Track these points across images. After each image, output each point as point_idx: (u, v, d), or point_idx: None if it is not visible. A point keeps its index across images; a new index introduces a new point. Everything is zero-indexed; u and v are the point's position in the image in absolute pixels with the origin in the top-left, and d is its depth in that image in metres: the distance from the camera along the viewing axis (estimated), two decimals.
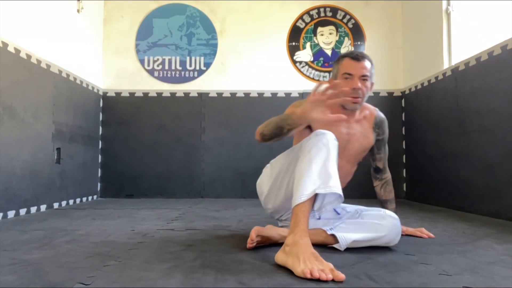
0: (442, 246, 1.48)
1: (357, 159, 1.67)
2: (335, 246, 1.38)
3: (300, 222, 1.19)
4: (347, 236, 1.38)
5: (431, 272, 1.11)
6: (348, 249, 1.40)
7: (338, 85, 1.30)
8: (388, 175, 1.79)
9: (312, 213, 1.28)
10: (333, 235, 1.38)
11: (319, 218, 1.58)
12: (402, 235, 1.57)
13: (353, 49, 3.75)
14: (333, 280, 1.00)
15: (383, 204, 1.76)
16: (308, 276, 1.02)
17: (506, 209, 2.19)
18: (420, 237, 1.67)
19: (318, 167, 1.24)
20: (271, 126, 1.38)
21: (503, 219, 2.18)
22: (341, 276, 1.01)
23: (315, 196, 1.24)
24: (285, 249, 1.16)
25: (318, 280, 1.01)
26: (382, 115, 1.68)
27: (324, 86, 1.26)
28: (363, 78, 1.49)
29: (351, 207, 1.63)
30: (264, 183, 1.62)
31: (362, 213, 1.53)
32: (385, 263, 1.21)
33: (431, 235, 1.67)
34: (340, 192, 1.24)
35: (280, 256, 1.17)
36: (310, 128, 1.51)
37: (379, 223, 1.41)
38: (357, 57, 1.50)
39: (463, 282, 1.02)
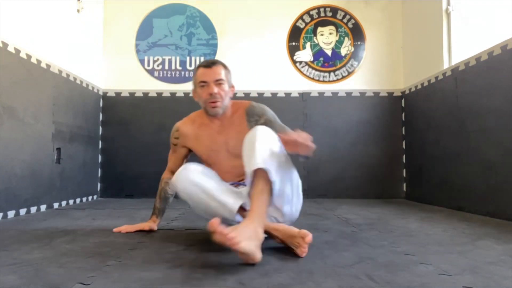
0: (442, 246, 1.48)
1: None
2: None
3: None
4: (268, 163, 1.27)
5: (431, 272, 1.11)
6: (348, 249, 1.40)
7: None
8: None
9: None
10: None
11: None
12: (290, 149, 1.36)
13: (353, 49, 3.75)
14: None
15: None
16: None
17: (506, 209, 2.19)
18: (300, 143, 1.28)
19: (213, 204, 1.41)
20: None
21: (503, 219, 2.18)
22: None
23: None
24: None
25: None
26: (253, 103, 1.65)
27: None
28: (218, 82, 1.56)
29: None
30: None
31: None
32: (385, 263, 1.21)
33: (311, 145, 1.29)
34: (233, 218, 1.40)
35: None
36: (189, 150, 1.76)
37: (251, 136, 1.36)
38: (208, 64, 1.58)
39: (463, 282, 1.02)
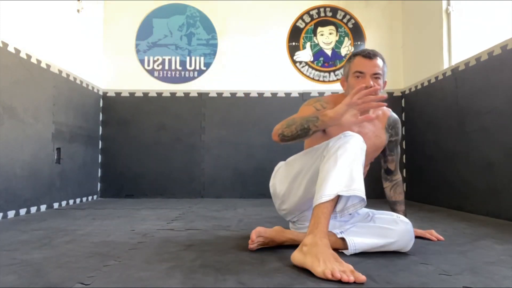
0: (442, 246, 1.48)
1: (369, 158, 1.62)
2: (344, 251, 1.32)
3: (320, 223, 1.17)
4: (356, 241, 1.32)
5: (431, 272, 1.11)
6: None
7: (377, 90, 1.31)
8: (399, 176, 1.72)
9: (333, 214, 1.26)
10: (342, 239, 1.33)
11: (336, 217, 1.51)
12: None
13: (353, 49, 3.75)
14: (354, 282, 0.99)
15: (392, 205, 1.71)
16: (330, 277, 1.00)
17: (506, 209, 2.19)
18: (429, 239, 1.60)
19: (343, 168, 1.22)
20: (295, 127, 1.36)
21: (503, 219, 2.18)
22: (362, 277, 0.99)
23: (337, 198, 1.22)
24: (302, 249, 1.14)
25: (340, 282, 0.99)
26: (395, 115, 1.64)
27: (364, 91, 1.26)
28: (375, 76, 1.44)
29: (363, 210, 1.55)
30: (279, 183, 1.56)
31: (374, 216, 1.44)
32: (385, 263, 1.21)
33: (441, 237, 1.60)
34: (363, 195, 1.21)
35: (297, 256, 1.15)
36: (323, 131, 1.49)
37: (391, 228, 1.34)
38: (368, 55, 1.45)
39: (463, 282, 1.02)
